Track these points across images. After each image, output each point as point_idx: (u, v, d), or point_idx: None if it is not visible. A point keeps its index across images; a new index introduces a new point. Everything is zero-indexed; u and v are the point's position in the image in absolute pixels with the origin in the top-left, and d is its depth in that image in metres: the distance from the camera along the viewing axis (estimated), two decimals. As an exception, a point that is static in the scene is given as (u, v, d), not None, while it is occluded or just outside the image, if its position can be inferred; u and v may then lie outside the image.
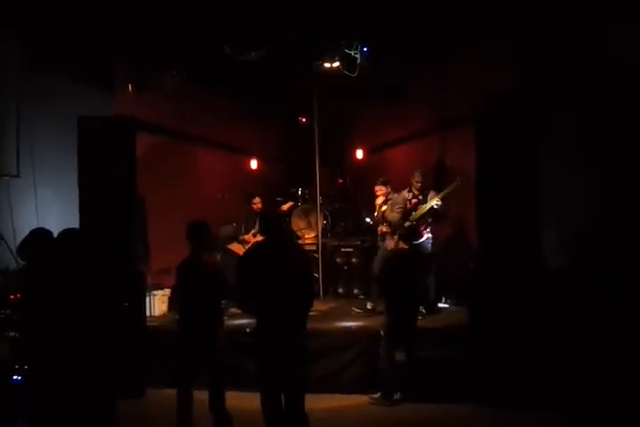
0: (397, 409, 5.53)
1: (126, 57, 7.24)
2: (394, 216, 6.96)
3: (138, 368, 5.98)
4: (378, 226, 7.31)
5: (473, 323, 5.78)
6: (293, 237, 8.62)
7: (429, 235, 7.04)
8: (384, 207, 7.11)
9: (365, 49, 6.73)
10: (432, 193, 7.06)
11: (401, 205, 6.96)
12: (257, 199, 7.84)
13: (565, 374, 5.37)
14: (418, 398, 5.60)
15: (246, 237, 7.76)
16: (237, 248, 7.76)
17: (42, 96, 6.68)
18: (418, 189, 7.12)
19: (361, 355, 6.09)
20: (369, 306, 7.08)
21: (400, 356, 5.68)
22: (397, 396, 5.63)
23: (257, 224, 7.72)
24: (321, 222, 8.84)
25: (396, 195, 7.13)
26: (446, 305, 7.44)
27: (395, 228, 6.91)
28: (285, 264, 4.29)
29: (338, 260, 8.61)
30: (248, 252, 4.67)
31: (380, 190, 7.22)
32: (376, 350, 5.82)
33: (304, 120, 10.05)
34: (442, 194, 6.87)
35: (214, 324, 4.64)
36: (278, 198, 9.35)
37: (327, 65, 7.23)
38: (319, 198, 8.72)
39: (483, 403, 5.42)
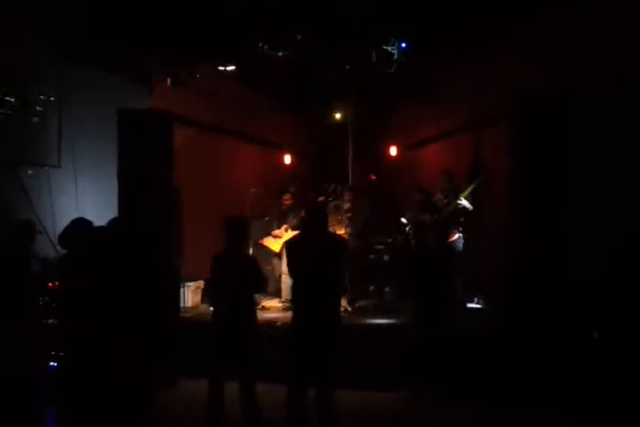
0: (425, 408, 5.49)
1: (164, 51, 7.32)
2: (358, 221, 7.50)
3: (170, 359, 6.06)
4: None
5: (500, 323, 5.74)
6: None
7: (460, 234, 7.08)
8: (349, 214, 7.59)
9: (404, 45, 6.68)
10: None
11: (365, 212, 7.59)
12: (287, 195, 7.89)
13: (569, 374, 5.29)
14: (446, 397, 5.54)
15: (278, 231, 7.79)
16: (269, 243, 7.80)
17: (82, 90, 6.83)
18: (447, 190, 7.48)
19: (390, 352, 6.07)
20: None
21: (429, 355, 5.66)
22: (426, 395, 5.59)
23: (288, 219, 7.78)
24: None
25: (363, 200, 7.63)
26: (478, 305, 7.39)
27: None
28: (325, 256, 4.31)
29: (370, 257, 8.61)
30: (293, 240, 4.75)
31: (347, 195, 7.75)
32: (405, 348, 5.80)
33: (339, 116, 10.05)
34: (464, 193, 7.19)
35: (247, 316, 4.66)
36: (311, 194, 9.36)
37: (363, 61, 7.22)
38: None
39: (508, 405, 5.36)
